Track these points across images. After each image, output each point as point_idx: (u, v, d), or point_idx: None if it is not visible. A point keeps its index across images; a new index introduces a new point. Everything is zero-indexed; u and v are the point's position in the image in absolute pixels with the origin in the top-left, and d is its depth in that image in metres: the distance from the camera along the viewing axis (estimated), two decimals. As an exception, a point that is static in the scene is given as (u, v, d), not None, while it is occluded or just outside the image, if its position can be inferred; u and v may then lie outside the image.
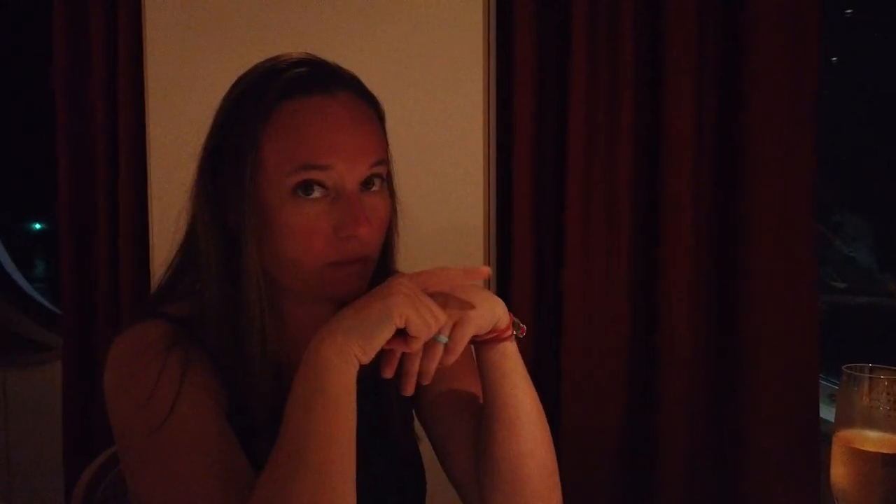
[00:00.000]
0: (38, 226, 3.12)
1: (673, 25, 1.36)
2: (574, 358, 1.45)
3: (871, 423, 0.76)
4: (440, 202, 1.50)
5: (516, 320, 0.88)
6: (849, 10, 2.15)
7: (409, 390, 0.81)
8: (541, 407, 0.90)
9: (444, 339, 0.79)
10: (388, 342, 0.76)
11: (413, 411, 1.02)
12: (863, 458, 0.74)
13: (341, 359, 0.75)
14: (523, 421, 0.88)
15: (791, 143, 1.32)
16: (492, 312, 0.83)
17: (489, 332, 0.85)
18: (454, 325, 0.80)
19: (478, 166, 1.48)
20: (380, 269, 0.91)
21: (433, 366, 0.80)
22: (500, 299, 0.86)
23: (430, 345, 0.79)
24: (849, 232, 2.23)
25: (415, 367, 0.80)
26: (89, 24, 1.97)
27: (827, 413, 1.43)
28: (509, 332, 0.87)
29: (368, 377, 0.79)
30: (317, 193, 0.82)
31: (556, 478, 0.90)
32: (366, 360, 0.76)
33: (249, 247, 0.83)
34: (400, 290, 0.76)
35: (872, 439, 0.75)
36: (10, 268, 2.50)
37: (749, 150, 1.34)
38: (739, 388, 1.38)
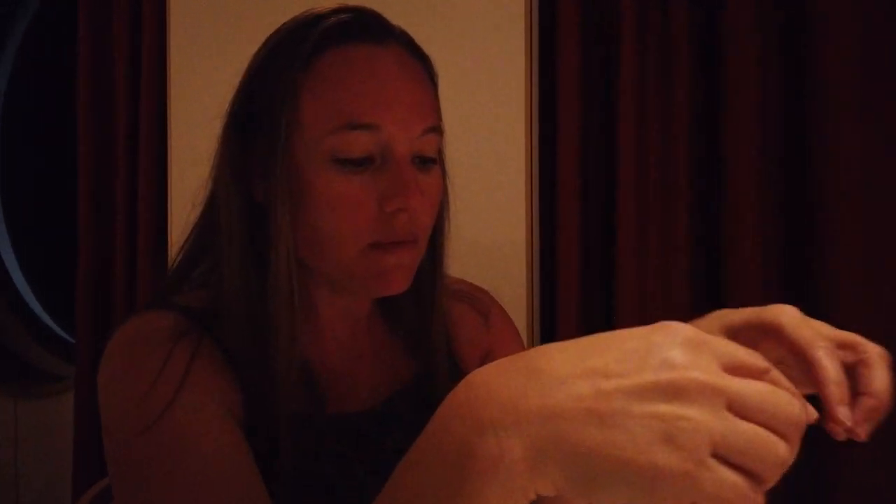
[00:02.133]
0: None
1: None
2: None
3: None
4: (479, 212, 1.40)
5: None
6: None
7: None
8: None
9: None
10: None
11: None
12: None
13: (516, 481, 0.39)
14: None
15: (871, 125, 1.19)
16: None
17: None
18: None
19: (520, 174, 1.37)
20: (426, 265, 0.79)
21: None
22: None
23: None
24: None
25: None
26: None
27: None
28: None
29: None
30: (361, 158, 0.70)
31: None
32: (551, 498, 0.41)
33: (282, 221, 0.71)
34: (702, 402, 0.38)
35: None
36: (28, 296, 2.43)
37: (823, 140, 1.21)
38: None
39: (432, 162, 0.75)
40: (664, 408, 0.37)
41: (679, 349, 0.39)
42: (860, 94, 1.19)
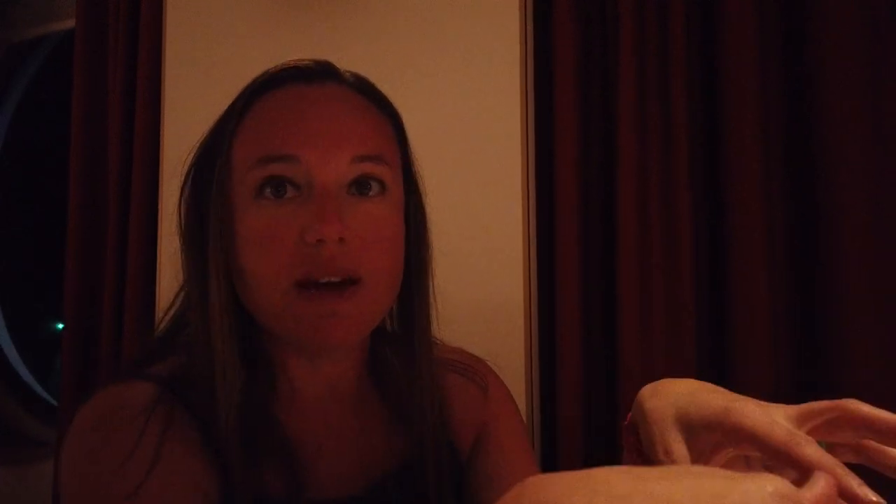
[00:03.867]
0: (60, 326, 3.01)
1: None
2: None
3: None
4: (475, 271, 1.35)
5: None
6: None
7: None
8: None
9: None
10: None
11: None
12: None
13: None
14: None
15: (876, 129, 1.15)
16: None
17: None
18: None
19: (517, 232, 1.33)
20: (403, 322, 0.74)
21: None
22: None
23: None
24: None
25: None
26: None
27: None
28: None
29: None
30: (286, 193, 0.67)
31: None
32: None
33: (213, 259, 0.67)
34: None
35: None
36: (14, 359, 2.37)
37: (825, 141, 1.16)
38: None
39: (376, 188, 0.70)
40: None
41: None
42: (863, 93, 1.15)
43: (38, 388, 2.35)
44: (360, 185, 0.69)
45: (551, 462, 1.32)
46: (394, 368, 0.80)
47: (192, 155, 0.76)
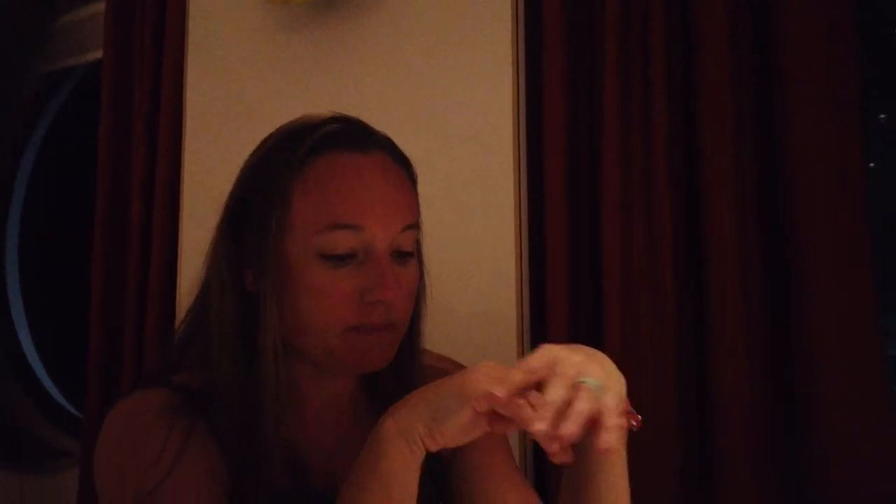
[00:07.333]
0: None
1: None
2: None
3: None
4: (468, 282, 1.43)
5: (631, 409, 0.74)
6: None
7: (563, 458, 0.64)
8: None
9: (593, 381, 0.64)
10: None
11: None
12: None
13: (402, 439, 0.67)
14: None
15: (837, 147, 1.22)
16: (622, 384, 0.70)
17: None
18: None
19: (509, 243, 1.41)
20: (404, 344, 0.84)
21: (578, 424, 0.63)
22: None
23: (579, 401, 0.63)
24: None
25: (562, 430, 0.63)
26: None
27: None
28: (625, 420, 0.71)
29: None
30: (345, 255, 0.77)
31: None
32: (434, 445, 0.68)
33: (271, 310, 0.77)
34: (484, 368, 0.67)
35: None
36: (38, 367, 2.48)
37: (791, 148, 1.25)
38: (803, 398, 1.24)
39: (410, 255, 0.82)
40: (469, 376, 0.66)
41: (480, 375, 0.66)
42: (828, 94, 1.23)
43: (61, 399, 2.45)
44: (401, 254, 0.81)
45: (541, 471, 1.40)
46: (387, 379, 0.89)
47: (233, 193, 0.84)
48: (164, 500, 0.70)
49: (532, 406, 0.63)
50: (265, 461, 0.76)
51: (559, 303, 1.37)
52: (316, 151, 0.80)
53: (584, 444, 0.72)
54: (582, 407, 0.62)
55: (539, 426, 0.62)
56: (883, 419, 1.20)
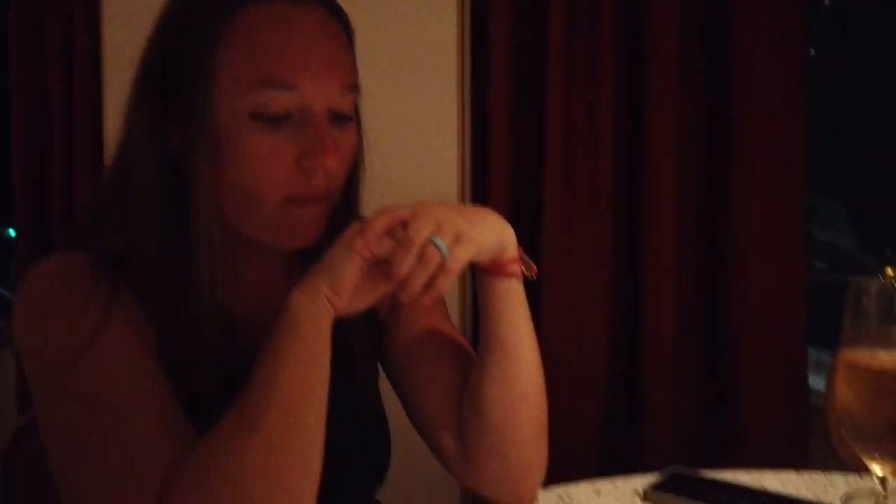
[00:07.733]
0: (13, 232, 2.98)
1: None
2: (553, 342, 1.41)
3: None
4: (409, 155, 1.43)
5: (526, 258, 0.78)
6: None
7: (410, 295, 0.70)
8: (539, 352, 0.81)
9: (440, 242, 0.67)
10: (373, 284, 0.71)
11: (379, 365, 0.93)
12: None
13: (312, 302, 0.68)
14: (521, 363, 0.79)
15: (780, 122, 1.30)
16: (497, 237, 0.73)
17: (493, 261, 0.75)
18: (451, 245, 0.68)
19: (452, 180, 1.41)
20: (344, 212, 0.82)
21: (424, 280, 0.68)
22: (509, 226, 0.75)
23: (426, 257, 0.67)
24: (823, 216, 2.22)
25: (413, 278, 0.68)
26: None
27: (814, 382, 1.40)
28: (516, 268, 0.76)
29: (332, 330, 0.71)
30: (279, 116, 0.72)
31: (546, 427, 0.82)
32: (341, 302, 0.69)
33: (202, 173, 0.72)
34: (362, 223, 0.69)
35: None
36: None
37: (735, 126, 1.30)
38: (727, 370, 1.36)
39: (348, 119, 0.77)
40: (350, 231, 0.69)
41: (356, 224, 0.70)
42: (768, 86, 1.32)
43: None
44: (340, 117, 0.76)
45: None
46: (324, 246, 0.88)
47: (151, 44, 0.77)
48: (96, 356, 0.67)
49: (398, 242, 0.67)
50: (196, 326, 0.73)
51: (501, 179, 1.40)
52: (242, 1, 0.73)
53: (487, 290, 0.77)
54: (421, 281, 0.68)
55: (401, 269, 0.67)
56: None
